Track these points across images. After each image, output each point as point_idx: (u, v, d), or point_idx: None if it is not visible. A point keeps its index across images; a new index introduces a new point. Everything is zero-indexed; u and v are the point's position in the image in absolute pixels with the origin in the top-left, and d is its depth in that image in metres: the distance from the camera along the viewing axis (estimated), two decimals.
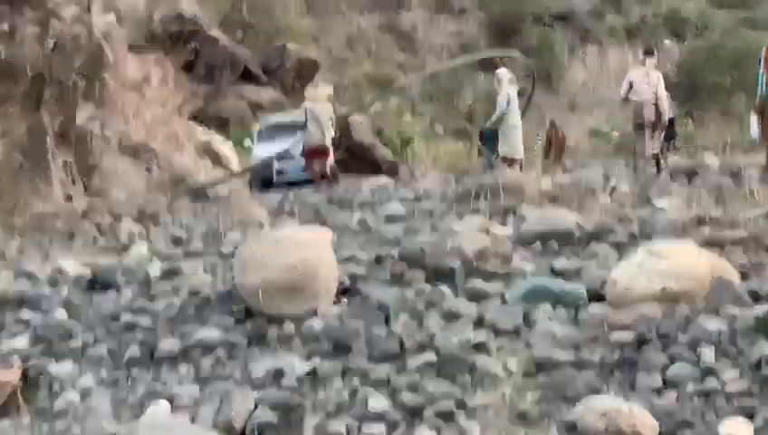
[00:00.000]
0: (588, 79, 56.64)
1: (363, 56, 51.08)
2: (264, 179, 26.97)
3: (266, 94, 33.63)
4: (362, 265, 9.25)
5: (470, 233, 9.90)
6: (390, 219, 12.25)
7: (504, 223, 10.74)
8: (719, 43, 52.55)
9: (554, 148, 29.12)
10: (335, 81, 42.10)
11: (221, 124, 31.63)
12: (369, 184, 19.92)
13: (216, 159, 29.90)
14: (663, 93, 19.13)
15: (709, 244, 8.82)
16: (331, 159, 23.64)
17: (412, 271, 8.84)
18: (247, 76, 33.92)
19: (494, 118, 21.33)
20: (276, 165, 27.00)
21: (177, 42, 33.68)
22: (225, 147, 30.46)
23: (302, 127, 27.35)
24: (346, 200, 15.47)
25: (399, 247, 9.59)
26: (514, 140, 20.59)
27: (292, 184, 25.02)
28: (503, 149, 21.19)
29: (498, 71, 22.76)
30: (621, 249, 9.21)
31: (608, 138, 46.11)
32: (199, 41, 33.71)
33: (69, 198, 14.95)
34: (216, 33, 34.28)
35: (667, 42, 60.23)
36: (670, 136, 19.08)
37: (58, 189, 14.75)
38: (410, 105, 46.80)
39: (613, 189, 12.73)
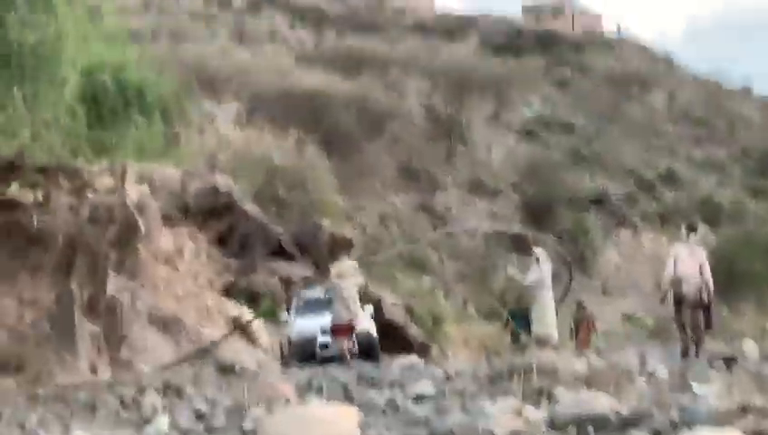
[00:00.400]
0: (621, 263, 56.53)
1: (397, 235, 51.19)
2: (305, 353, 26.50)
3: (298, 270, 33.51)
4: None
5: (502, 415, 9.56)
6: (420, 399, 11.93)
7: (537, 405, 10.39)
8: (754, 230, 52.50)
9: (582, 329, 28.87)
10: (368, 259, 42.25)
11: (252, 298, 31.49)
12: (400, 363, 19.58)
13: (246, 333, 29.70)
14: (708, 271, 18.50)
15: (755, 434, 8.46)
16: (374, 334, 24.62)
17: None
18: (280, 251, 33.87)
19: (522, 294, 21.57)
20: (320, 339, 26.48)
21: (211, 215, 33.85)
22: (255, 322, 30.28)
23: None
24: (376, 378, 15.15)
25: (428, 428, 9.25)
26: (547, 320, 20.44)
27: (334, 359, 24.89)
28: (536, 329, 21.22)
29: (535, 249, 22.98)
30: None
31: (642, 323, 45.73)
32: (233, 215, 33.83)
33: (94, 369, 14.69)
34: (250, 207, 34.41)
35: (701, 228, 60.17)
36: (709, 319, 18.52)
37: (83, 360, 14.52)
38: (443, 285, 46.78)
39: (651, 374, 12.36)
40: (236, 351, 28.19)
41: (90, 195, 17.30)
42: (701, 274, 18.19)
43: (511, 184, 59.83)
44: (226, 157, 39.95)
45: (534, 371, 11.23)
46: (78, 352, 14.34)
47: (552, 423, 9.47)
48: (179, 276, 30.81)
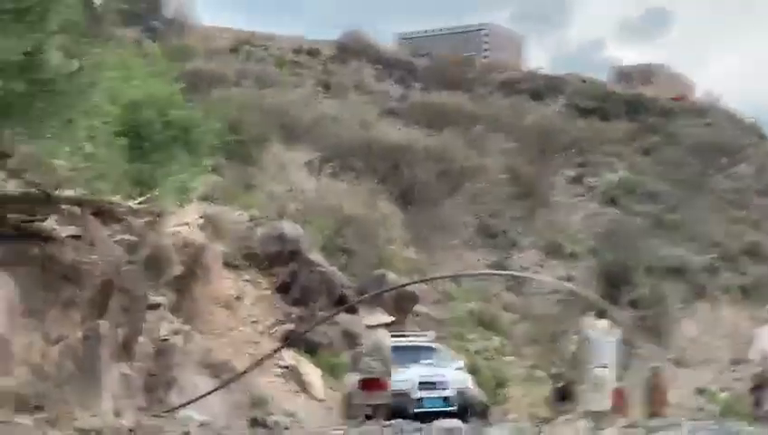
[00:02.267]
0: (698, 335, 55.18)
1: (470, 293, 50.44)
2: (398, 409, 24.07)
3: (360, 322, 32.92)
4: None
5: None
6: None
7: None
8: None
9: (655, 394, 27.90)
10: (439, 316, 41.60)
11: (310, 349, 30.92)
12: (440, 426, 18.79)
13: (302, 385, 29.15)
14: None
15: None
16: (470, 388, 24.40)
17: None
18: (343, 303, 33.33)
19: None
20: (417, 393, 24.89)
21: (276, 262, 33.46)
22: (312, 372, 29.74)
23: (428, 351, 26.96)
24: None
25: None
26: (599, 393, 19.85)
27: (430, 414, 23.97)
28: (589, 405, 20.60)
29: (597, 321, 22.27)
30: None
31: (715, 398, 44.48)
32: (298, 263, 33.40)
33: (118, 413, 14.17)
34: (315, 256, 33.97)
35: None
36: None
37: (108, 403, 13.99)
38: (513, 347, 46.00)
39: None
40: (289, 400, 27.71)
41: (126, 233, 16.91)
42: None
43: (589, 248, 58.85)
44: (297, 204, 39.60)
45: None
46: (101, 395, 13.81)
47: None
48: (238, 322, 30.44)
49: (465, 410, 24.60)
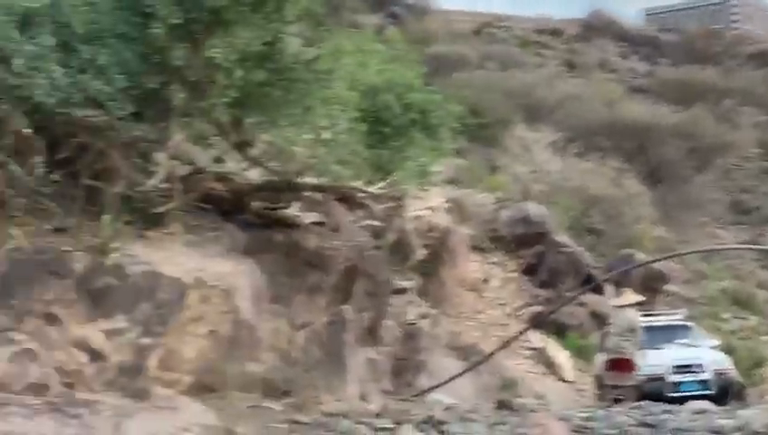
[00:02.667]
0: None
1: (723, 271, 49.01)
2: (652, 394, 22.55)
3: (608, 303, 32.38)
4: None
5: None
6: None
7: None
8: None
9: None
10: (690, 295, 40.56)
11: (558, 330, 30.61)
12: (693, 407, 18.12)
13: (551, 367, 28.91)
14: None
15: None
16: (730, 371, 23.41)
17: None
18: (590, 283, 32.86)
19: None
20: (671, 378, 23.85)
21: (522, 244, 33.28)
22: (561, 354, 29.46)
23: (682, 330, 26.03)
24: (659, 422, 13.97)
25: None
26: None
27: (686, 398, 23.16)
28: None
29: None
30: None
31: None
32: (544, 245, 33.12)
33: (364, 397, 14.29)
34: (561, 237, 33.63)
35: None
36: None
37: (353, 387, 14.14)
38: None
39: None
40: (538, 382, 27.51)
41: (369, 219, 17.04)
42: None
43: None
44: (542, 185, 39.27)
45: None
46: (347, 379, 13.95)
47: None
48: (485, 305, 30.42)
49: (725, 393, 23.48)
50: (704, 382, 23.64)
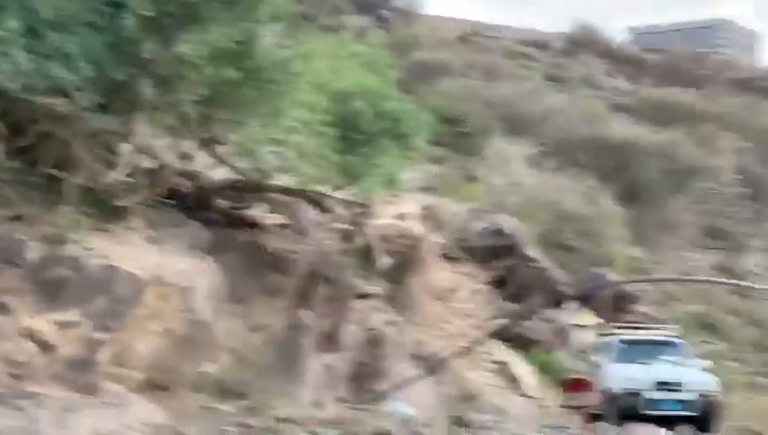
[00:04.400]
0: None
1: (694, 295, 49.03)
2: (629, 410, 22.89)
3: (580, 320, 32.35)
4: None
5: None
6: None
7: None
8: None
9: None
10: (660, 317, 40.50)
11: (523, 345, 30.47)
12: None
13: (514, 381, 28.77)
14: None
15: None
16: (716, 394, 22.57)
17: None
18: (560, 300, 32.75)
19: None
20: (650, 395, 22.99)
21: (493, 256, 33.12)
22: (524, 369, 29.33)
23: (670, 347, 25.54)
24: None
25: None
26: None
27: (665, 418, 22.78)
28: None
29: None
30: None
31: None
32: (515, 258, 32.97)
33: (319, 403, 14.15)
34: (532, 251, 33.45)
35: None
36: None
37: (308, 393, 14.00)
38: (736, 352, 44.51)
39: None
40: (500, 396, 27.38)
41: (336, 223, 16.91)
42: None
43: None
44: (517, 198, 39.18)
45: None
46: (303, 385, 13.82)
47: None
48: (452, 315, 30.23)
49: (708, 416, 23.02)
50: (686, 403, 22.96)
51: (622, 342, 25.20)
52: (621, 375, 23.52)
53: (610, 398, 23.38)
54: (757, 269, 54.04)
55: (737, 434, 22.05)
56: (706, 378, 23.81)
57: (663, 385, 23.08)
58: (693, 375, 23.62)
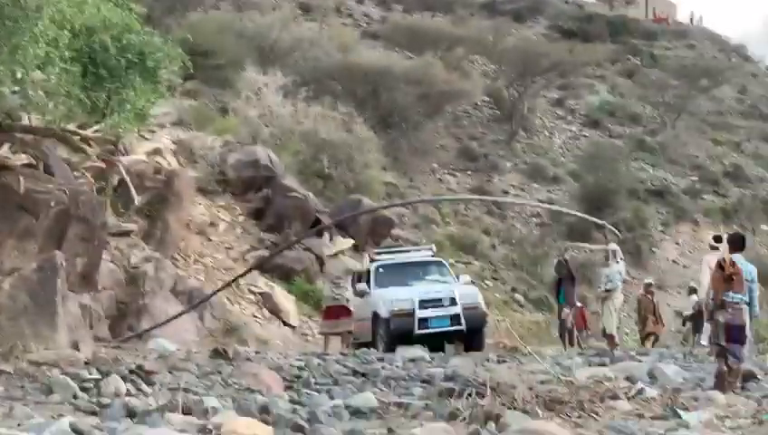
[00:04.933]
0: (678, 258, 55.08)
1: (450, 217, 50.14)
2: (400, 332, 23.10)
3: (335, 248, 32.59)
4: None
5: None
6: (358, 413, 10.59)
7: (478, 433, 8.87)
8: None
9: (650, 315, 28.03)
10: (418, 240, 41.27)
11: (285, 275, 30.65)
12: (407, 354, 18.41)
13: (276, 312, 28.92)
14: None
15: None
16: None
17: None
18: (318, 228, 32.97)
19: (603, 288, 22.45)
20: (419, 313, 23.29)
21: (250, 188, 33.09)
22: (286, 299, 29.50)
23: (432, 266, 26.13)
24: (371, 371, 14.17)
25: None
26: (616, 318, 21.73)
27: (436, 336, 22.99)
28: (607, 324, 22.22)
29: (612, 245, 23.44)
30: None
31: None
32: (271, 188, 33.00)
33: (76, 345, 13.87)
34: (289, 181, 33.53)
35: (764, 226, 58.67)
36: None
37: (64, 335, 13.69)
38: (492, 270, 45.79)
39: (638, 392, 11.03)
40: (263, 327, 27.50)
41: (87, 162, 16.55)
42: None
43: (571, 172, 58.44)
44: (272, 129, 39.15)
45: (489, 389, 9.85)
46: (57, 327, 13.52)
47: None
48: (211, 249, 30.14)
49: (477, 328, 23.61)
50: (454, 318, 23.37)
51: (383, 266, 25.56)
52: (387, 298, 23.88)
53: (378, 323, 23.80)
54: (510, 189, 55.62)
55: (494, 350, 22.62)
56: (469, 291, 24.54)
57: (429, 302, 23.57)
58: (456, 290, 24.14)
